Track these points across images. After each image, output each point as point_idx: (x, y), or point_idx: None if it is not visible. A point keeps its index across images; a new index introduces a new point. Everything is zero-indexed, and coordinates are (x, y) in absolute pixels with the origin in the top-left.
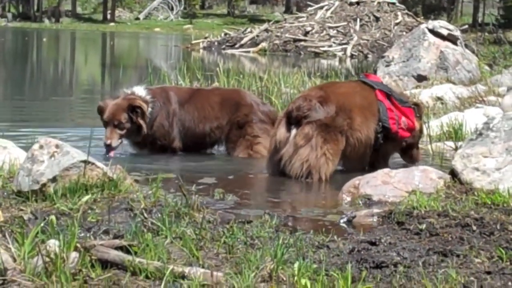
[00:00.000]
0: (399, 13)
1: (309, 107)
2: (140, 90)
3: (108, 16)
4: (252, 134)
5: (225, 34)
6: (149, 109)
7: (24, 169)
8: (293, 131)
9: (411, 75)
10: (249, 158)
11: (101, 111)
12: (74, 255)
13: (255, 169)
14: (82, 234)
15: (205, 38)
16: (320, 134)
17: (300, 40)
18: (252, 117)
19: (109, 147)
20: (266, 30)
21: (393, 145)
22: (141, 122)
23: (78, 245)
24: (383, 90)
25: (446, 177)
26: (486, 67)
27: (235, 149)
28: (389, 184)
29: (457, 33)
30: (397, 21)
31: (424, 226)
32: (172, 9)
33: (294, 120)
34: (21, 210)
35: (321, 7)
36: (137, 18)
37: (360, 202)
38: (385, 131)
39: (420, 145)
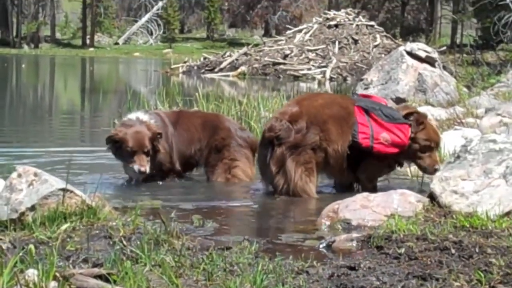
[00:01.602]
0: (377, 35)
1: (280, 127)
2: (143, 116)
3: (88, 41)
4: (229, 158)
5: (204, 58)
6: None
7: (3, 198)
8: (269, 154)
9: (390, 97)
10: (227, 183)
11: (120, 140)
12: (53, 284)
13: (233, 195)
14: (61, 263)
15: (184, 62)
16: (291, 157)
17: (279, 64)
18: (229, 141)
19: (143, 173)
20: (245, 54)
21: (376, 162)
22: (161, 147)
23: (57, 274)
24: (360, 106)
25: (424, 201)
26: (465, 89)
27: (214, 173)
28: (368, 208)
29: (435, 55)
30: (376, 43)
31: (403, 250)
32: (151, 33)
33: (267, 141)
34: (0, 239)
35: (300, 30)
36: (117, 43)
37: (339, 226)
38: (357, 146)
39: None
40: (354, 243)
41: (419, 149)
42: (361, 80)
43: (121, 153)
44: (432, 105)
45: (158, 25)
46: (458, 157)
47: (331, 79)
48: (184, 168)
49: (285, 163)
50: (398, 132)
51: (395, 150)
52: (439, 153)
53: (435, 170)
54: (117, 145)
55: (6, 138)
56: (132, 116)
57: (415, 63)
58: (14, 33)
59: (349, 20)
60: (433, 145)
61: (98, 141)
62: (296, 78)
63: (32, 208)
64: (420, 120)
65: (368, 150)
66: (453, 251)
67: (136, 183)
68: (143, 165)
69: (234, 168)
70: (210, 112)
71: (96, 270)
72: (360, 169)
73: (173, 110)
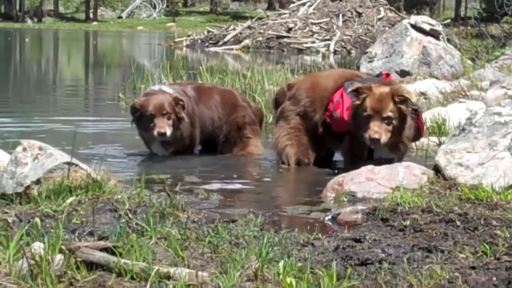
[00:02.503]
0: (381, 8)
1: (278, 92)
2: (166, 87)
3: (91, 15)
4: (247, 135)
5: (208, 31)
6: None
7: (8, 171)
8: None
9: (394, 70)
10: (233, 157)
11: (141, 106)
12: (59, 257)
13: (239, 168)
14: (67, 236)
15: (188, 36)
16: (279, 120)
17: (283, 37)
18: (247, 119)
19: (163, 136)
20: (249, 27)
21: (348, 139)
22: (184, 115)
23: (63, 247)
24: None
25: (429, 173)
26: (469, 62)
27: (231, 149)
28: (373, 180)
29: (439, 28)
30: (380, 16)
31: (408, 222)
32: (154, 7)
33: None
34: (5, 213)
35: (304, 4)
36: (120, 17)
37: (345, 199)
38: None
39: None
40: (359, 216)
41: (361, 121)
42: (365, 53)
43: (142, 121)
44: (437, 78)
45: None
46: (463, 129)
47: (335, 52)
48: (203, 146)
49: (277, 126)
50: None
51: (340, 128)
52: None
53: (372, 140)
54: (138, 114)
55: (10, 112)
56: (155, 87)
57: (419, 36)
58: (17, 7)
59: None
60: (371, 114)
61: (103, 114)
62: (300, 51)
63: (38, 181)
64: (360, 91)
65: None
66: (458, 223)
67: (146, 156)
68: (161, 126)
69: (250, 145)
70: (223, 87)
71: (101, 243)
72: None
73: (191, 84)
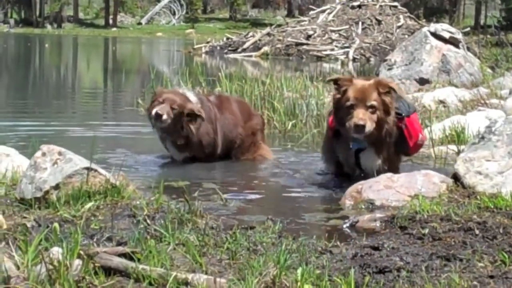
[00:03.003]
0: (401, 16)
1: None
2: (187, 92)
3: (110, 21)
4: (258, 142)
5: (227, 38)
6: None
7: (27, 176)
8: None
9: (413, 78)
10: (251, 164)
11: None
12: (77, 262)
13: (256, 174)
14: (85, 241)
15: (207, 42)
16: None
17: (302, 44)
18: (260, 126)
19: (159, 118)
20: (268, 34)
21: None
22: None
23: (81, 252)
24: None
25: (448, 181)
26: (488, 70)
27: (244, 154)
28: (391, 188)
29: (459, 36)
30: (399, 24)
31: (427, 230)
32: (174, 13)
33: None
34: (24, 217)
35: (323, 11)
36: (139, 23)
37: (363, 206)
38: None
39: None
40: (378, 223)
41: (344, 113)
42: (385, 60)
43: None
44: (456, 86)
45: (181, 5)
46: (483, 138)
47: (354, 59)
48: (224, 151)
49: None
50: None
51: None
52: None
53: (357, 127)
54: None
55: (30, 117)
56: (180, 89)
57: (439, 44)
58: (37, 13)
59: (372, 0)
60: (354, 103)
61: (122, 119)
62: (319, 58)
63: (57, 186)
64: (341, 84)
65: None
66: (477, 231)
67: (165, 162)
68: (161, 108)
69: (263, 149)
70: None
71: (120, 249)
72: None
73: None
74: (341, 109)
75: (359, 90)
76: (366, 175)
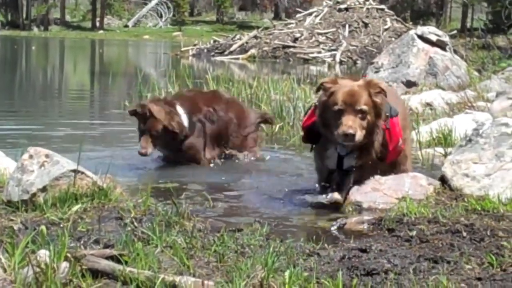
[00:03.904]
0: (388, 18)
1: None
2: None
3: (97, 24)
4: (253, 145)
5: (214, 41)
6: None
7: (14, 179)
8: None
9: (400, 81)
10: (239, 166)
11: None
12: (64, 265)
13: (245, 176)
14: (73, 244)
15: (194, 45)
16: None
17: (289, 47)
18: (255, 127)
19: (144, 156)
20: (255, 37)
21: None
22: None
23: (69, 255)
24: None
25: (436, 184)
26: (475, 73)
27: (244, 154)
28: (379, 191)
29: (446, 38)
30: (386, 27)
31: (414, 232)
32: (161, 16)
33: None
34: (11, 220)
35: (310, 13)
36: (126, 26)
37: (351, 209)
38: None
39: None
40: (365, 226)
41: (331, 118)
42: (372, 63)
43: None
44: (443, 89)
45: (168, 7)
46: (470, 140)
47: (341, 62)
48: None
49: None
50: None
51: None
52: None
53: (346, 136)
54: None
55: (16, 119)
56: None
57: (426, 46)
58: (24, 15)
59: (359, 3)
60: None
61: (109, 121)
62: (306, 61)
63: (44, 189)
64: (326, 87)
65: None
66: (464, 234)
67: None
68: (144, 147)
69: (255, 149)
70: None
71: (107, 251)
72: None
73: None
74: (327, 112)
75: (348, 93)
76: (342, 177)
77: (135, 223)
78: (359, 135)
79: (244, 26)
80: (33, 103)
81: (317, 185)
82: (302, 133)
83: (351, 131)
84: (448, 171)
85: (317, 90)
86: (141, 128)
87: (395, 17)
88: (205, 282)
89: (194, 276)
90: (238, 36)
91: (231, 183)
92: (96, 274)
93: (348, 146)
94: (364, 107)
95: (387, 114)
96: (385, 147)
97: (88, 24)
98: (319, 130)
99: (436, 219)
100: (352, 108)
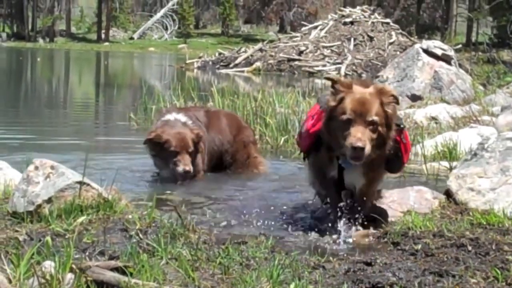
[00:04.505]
0: (393, 32)
1: None
2: (183, 117)
3: (103, 36)
4: (254, 155)
5: (219, 53)
6: None
7: (20, 190)
8: None
9: (405, 94)
10: (244, 178)
11: (165, 141)
12: (69, 276)
13: (249, 189)
14: (78, 255)
15: (199, 57)
16: None
17: (294, 60)
18: (251, 139)
19: (188, 173)
20: (261, 50)
21: None
22: (202, 148)
23: (74, 266)
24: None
25: (441, 197)
26: (480, 87)
27: (239, 168)
28: (384, 204)
29: (451, 53)
30: (391, 40)
31: (419, 246)
32: (166, 28)
33: None
34: (17, 231)
35: (315, 27)
36: (132, 38)
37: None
38: None
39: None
40: (371, 239)
41: (339, 127)
42: (377, 77)
43: (163, 154)
44: (448, 103)
45: (173, 20)
46: (475, 154)
47: (346, 75)
48: (212, 168)
49: None
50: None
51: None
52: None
53: (355, 150)
54: (158, 146)
55: (22, 130)
56: (170, 115)
57: (431, 60)
58: (30, 27)
59: (365, 17)
60: (351, 117)
61: (114, 134)
62: (311, 74)
63: (49, 200)
64: (337, 90)
65: None
66: (469, 248)
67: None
68: (187, 164)
69: (260, 163)
70: (225, 110)
71: (112, 263)
72: None
73: (200, 108)
74: (334, 120)
75: (359, 101)
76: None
77: (140, 235)
78: (368, 149)
79: (249, 39)
80: (39, 115)
81: (321, 203)
82: (299, 141)
83: (360, 144)
84: (453, 185)
85: (332, 85)
86: (175, 148)
87: (400, 31)
88: None
89: None
90: (243, 49)
91: (236, 195)
92: (101, 285)
93: (356, 161)
94: (375, 118)
95: (402, 125)
96: (399, 160)
97: (94, 36)
98: (323, 137)
99: (441, 233)
100: (362, 118)
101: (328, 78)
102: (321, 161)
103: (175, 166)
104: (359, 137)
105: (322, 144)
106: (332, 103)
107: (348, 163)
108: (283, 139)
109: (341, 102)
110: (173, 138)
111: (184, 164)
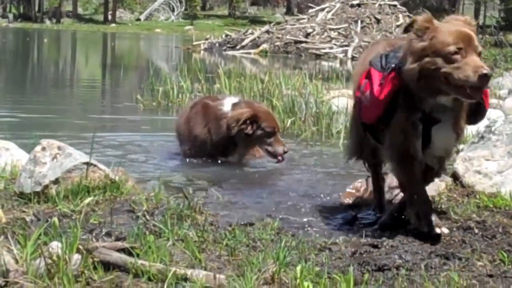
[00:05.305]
0: (400, 15)
1: None
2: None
3: (109, 17)
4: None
5: (226, 35)
6: None
7: (26, 170)
8: None
9: None
10: (251, 160)
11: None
12: (76, 257)
13: (256, 172)
14: (84, 236)
15: (206, 39)
16: None
17: (301, 42)
18: None
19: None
20: (267, 32)
21: None
22: None
23: (80, 247)
24: None
25: (447, 180)
26: None
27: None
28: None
29: None
30: (398, 23)
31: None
32: (173, 10)
33: None
34: (23, 211)
35: (322, 9)
36: (138, 19)
37: (362, 204)
38: None
39: None
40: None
41: (439, 64)
42: None
43: (255, 134)
44: None
45: (180, 1)
46: (482, 137)
47: (352, 58)
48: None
49: None
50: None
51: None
52: None
53: (484, 77)
54: (254, 126)
55: (29, 111)
56: (233, 99)
57: None
58: (36, 8)
59: None
60: (462, 46)
61: (121, 115)
62: (318, 56)
63: (56, 181)
64: (421, 28)
65: None
66: (476, 230)
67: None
68: (283, 144)
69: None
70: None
71: (119, 244)
72: None
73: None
74: (432, 59)
75: (460, 31)
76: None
77: (147, 216)
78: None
79: (256, 21)
80: (45, 96)
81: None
82: (362, 116)
83: (486, 71)
84: (460, 168)
85: (406, 30)
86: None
87: (407, 13)
88: (217, 275)
89: (205, 269)
90: (250, 31)
91: (243, 177)
92: (108, 266)
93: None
94: (481, 49)
95: None
96: (482, 106)
97: (100, 17)
98: (411, 87)
99: (448, 216)
100: (471, 48)
101: (409, 25)
102: (402, 129)
103: (270, 146)
104: (482, 64)
105: (397, 108)
106: (423, 43)
107: (444, 112)
108: (289, 121)
109: (436, 36)
110: (272, 118)
111: (282, 144)
